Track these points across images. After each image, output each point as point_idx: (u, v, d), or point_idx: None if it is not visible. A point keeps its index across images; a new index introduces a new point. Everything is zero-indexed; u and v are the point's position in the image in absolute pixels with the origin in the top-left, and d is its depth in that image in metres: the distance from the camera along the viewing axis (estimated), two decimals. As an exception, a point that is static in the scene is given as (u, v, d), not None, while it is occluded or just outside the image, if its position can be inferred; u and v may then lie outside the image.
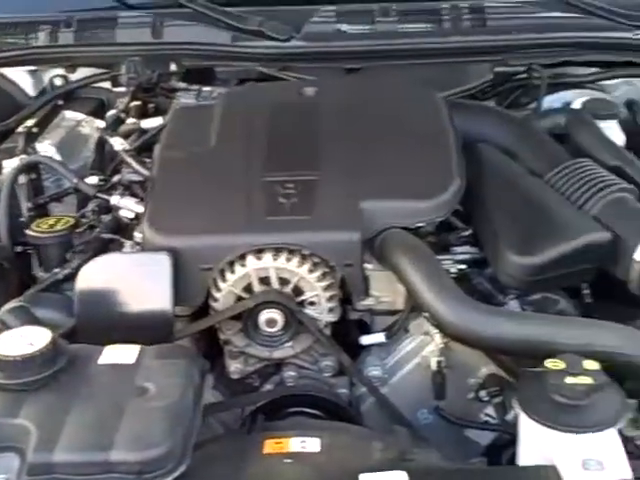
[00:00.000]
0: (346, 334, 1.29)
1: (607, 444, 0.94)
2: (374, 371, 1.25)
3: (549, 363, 0.98)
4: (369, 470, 0.90)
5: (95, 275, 1.16)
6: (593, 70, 1.73)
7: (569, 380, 0.95)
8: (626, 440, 1.07)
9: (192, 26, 1.80)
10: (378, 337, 1.27)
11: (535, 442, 0.97)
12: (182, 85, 1.70)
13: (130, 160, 1.37)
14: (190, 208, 1.23)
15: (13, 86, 1.83)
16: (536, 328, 1.08)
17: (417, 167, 1.27)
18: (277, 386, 1.26)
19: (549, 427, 0.94)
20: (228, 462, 0.96)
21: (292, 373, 1.25)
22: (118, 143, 1.42)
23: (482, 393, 1.22)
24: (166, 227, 1.20)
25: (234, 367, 1.25)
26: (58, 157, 1.57)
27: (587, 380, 0.95)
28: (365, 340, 1.28)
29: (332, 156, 1.28)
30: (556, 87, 1.69)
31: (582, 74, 1.72)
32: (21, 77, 1.83)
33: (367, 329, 1.31)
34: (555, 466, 0.91)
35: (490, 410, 1.24)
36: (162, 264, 1.15)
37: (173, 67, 1.72)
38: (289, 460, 0.94)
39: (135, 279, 1.16)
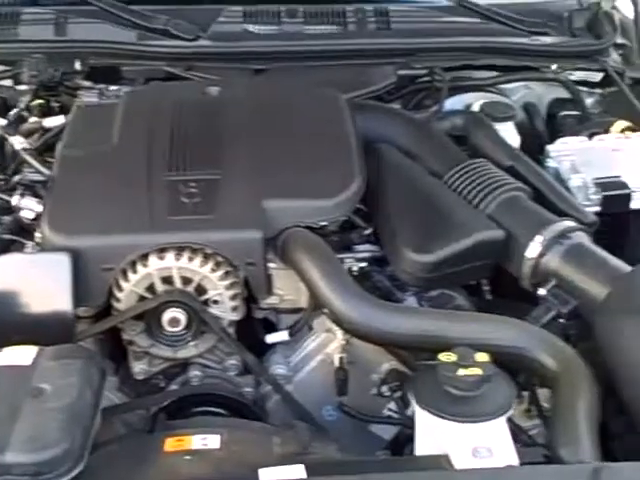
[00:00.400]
0: (252, 333, 1.31)
1: (496, 433, 0.98)
2: (279, 369, 1.27)
3: (442, 356, 1.02)
4: (268, 464, 0.92)
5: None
6: (493, 74, 1.80)
7: (461, 372, 0.99)
8: (519, 429, 1.14)
9: (97, 24, 1.78)
10: (282, 335, 1.29)
11: (430, 433, 1.00)
12: (87, 84, 1.68)
13: (31, 159, 1.36)
14: (91, 208, 1.23)
15: None
16: (431, 323, 1.12)
17: (319, 167, 1.29)
18: (182, 386, 1.27)
19: (441, 418, 0.98)
20: (128, 461, 0.96)
21: (197, 373, 1.26)
22: (18, 142, 1.39)
23: (384, 388, 1.26)
24: (66, 227, 1.19)
25: (139, 368, 1.25)
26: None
27: (478, 371, 0.99)
28: (270, 338, 1.30)
29: (235, 155, 1.29)
30: (458, 90, 1.74)
31: (482, 78, 1.78)
32: None
33: (273, 328, 1.33)
34: (447, 455, 0.95)
35: (392, 405, 1.27)
36: (61, 264, 1.15)
37: (77, 65, 1.70)
38: (189, 457, 0.95)
39: (34, 280, 1.15)
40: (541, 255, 1.21)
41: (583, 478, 0.86)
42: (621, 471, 0.87)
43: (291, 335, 1.28)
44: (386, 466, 0.96)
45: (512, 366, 1.11)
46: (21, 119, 1.52)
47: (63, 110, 1.60)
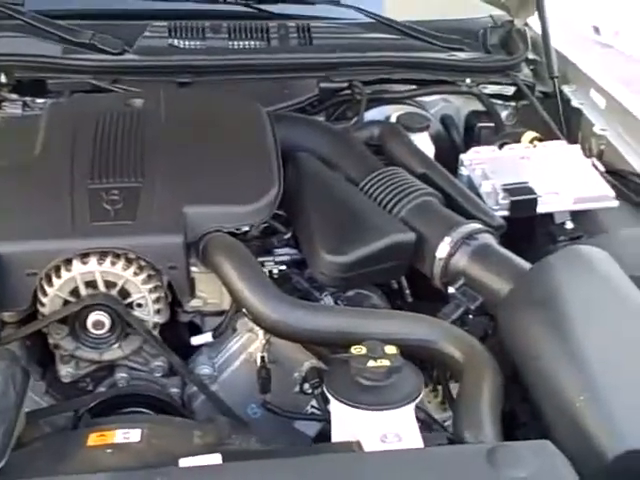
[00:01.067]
0: (177, 336, 1.35)
1: (404, 419, 1.05)
2: (204, 369, 1.33)
3: (353, 349, 1.08)
4: (188, 455, 0.97)
5: None
6: (411, 87, 1.89)
7: (371, 363, 1.06)
8: (433, 420, 1.21)
9: (23, 38, 1.82)
10: (206, 337, 1.34)
11: (343, 421, 1.07)
12: (13, 96, 1.72)
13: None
14: (14, 215, 1.26)
15: None
16: (346, 320, 1.18)
17: (238, 174, 1.35)
18: (110, 388, 1.31)
19: (353, 406, 1.04)
20: (51, 456, 1.00)
21: (124, 375, 1.30)
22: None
23: (306, 386, 1.32)
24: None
25: (65, 371, 1.29)
26: None
27: (386, 363, 1.06)
28: (195, 340, 1.35)
29: (157, 164, 1.34)
30: (377, 102, 1.83)
31: (400, 90, 1.87)
32: None
33: (199, 330, 1.38)
34: (358, 441, 1.01)
35: (314, 402, 1.33)
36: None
37: (3, 78, 1.73)
38: (110, 450, 0.99)
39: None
40: (450, 255, 1.29)
41: (480, 457, 0.93)
42: (515, 450, 0.95)
43: (215, 337, 1.34)
44: (299, 453, 1.02)
45: (423, 359, 1.18)
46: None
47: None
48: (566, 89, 1.91)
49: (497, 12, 2.10)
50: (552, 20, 1.99)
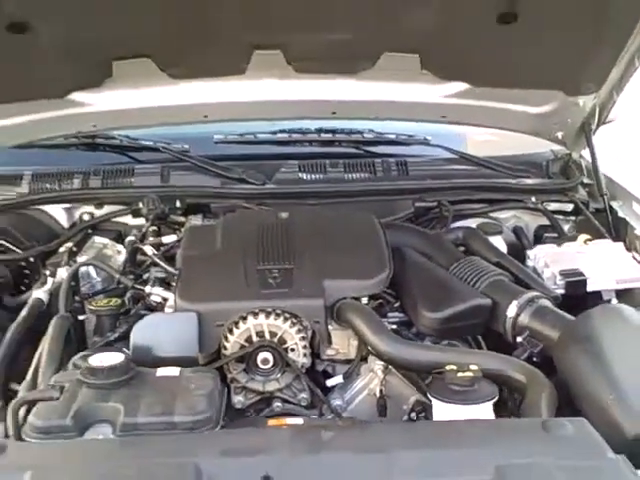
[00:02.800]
0: (315, 379, 1.88)
1: (484, 413, 1.54)
2: (337, 402, 1.84)
3: (448, 367, 1.59)
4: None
5: (145, 329, 1.76)
6: (487, 205, 2.45)
7: (459, 374, 1.57)
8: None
9: (191, 175, 2.49)
10: (338, 379, 1.87)
11: (441, 415, 1.57)
12: (181, 219, 2.36)
13: (159, 261, 2.00)
14: (207, 285, 1.85)
15: (51, 219, 2.46)
16: (442, 355, 1.70)
17: (361, 260, 1.92)
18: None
19: (448, 402, 1.54)
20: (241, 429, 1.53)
21: (279, 404, 1.83)
22: (150, 250, 2.05)
23: (413, 414, 1.81)
24: (191, 296, 1.81)
25: (237, 400, 1.82)
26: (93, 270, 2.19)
27: (470, 374, 1.56)
28: (329, 382, 1.87)
29: (302, 253, 1.93)
30: (461, 218, 2.39)
31: (479, 207, 2.43)
32: (57, 212, 2.47)
33: (330, 377, 1.90)
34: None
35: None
36: (191, 320, 1.75)
37: (178, 203, 2.39)
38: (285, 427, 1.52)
39: (172, 333, 1.76)
40: (517, 315, 1.80)
41: (536, 425, 1.40)
42: (561, 421, 1.41)
43: (345, 378, 1.86)
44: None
45: (498, 383, 1.67)
46: (144, 236, 2.19)
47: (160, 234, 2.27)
48: (614, 204, 2.45)
49: (556, 147, 2.69)
50: (602, 149, 2.56)
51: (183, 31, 2.06)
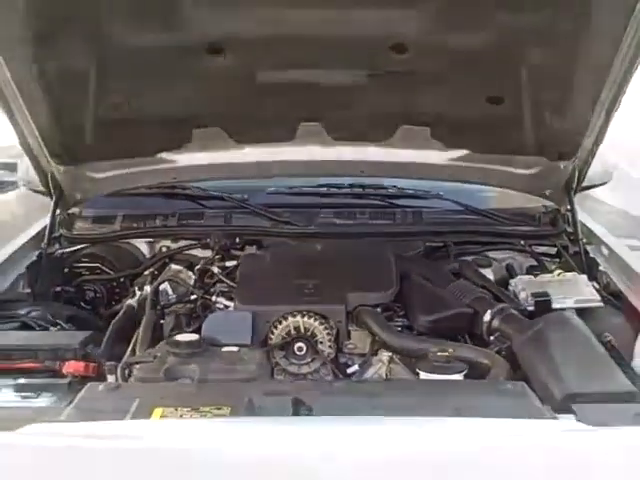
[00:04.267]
0: (338, 368, 2.53)
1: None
2: (353, 385, 2.49)
3: (432, 350, 2.24)
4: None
5: (213, 321, 2.45)
6: (485, 246, 3.12)
7: (439, 354, 2.21)
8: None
9: (248, 217, 3.21)
10: (355, 367, 2.51)
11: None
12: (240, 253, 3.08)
13: (224, 278, 2.71)
14: (259, 292, 2.54)
15: (137, 250, 3.20)
16: (429, 344, 2.34)
17: (374, 278, 2.60)
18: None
19: (430, 373, 2.19)
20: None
21: (309, 384, 2.49)
22: (216, 269, 2.77)
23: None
24: (247, 300, 2.50)
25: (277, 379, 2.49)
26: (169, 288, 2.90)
27: (446, 354, 2.21)
28: (349, 370, 2.52)
29: (330, 273, 2.62)
30: (462, 255, 3.06)
31: (477, 247, 3.10)
32: (142, 245, 3.21)
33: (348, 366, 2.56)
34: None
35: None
36: (246, 318, 2.44)
37: (237, 240, 3.10)
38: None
39: (232, 326, 2.44)
40: (491, 319, 2.45)
41: (485, 384, 2.04)
42: (507, 382, 2.05)
43: (360, 367, 2.51)
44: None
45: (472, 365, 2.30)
46: (211, 263, 2.91)
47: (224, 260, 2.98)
48: (589, 248, 3.08)
49: (548, 202, 3.34)
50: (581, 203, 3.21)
51: (247, 108, 2.79)
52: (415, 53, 2.54)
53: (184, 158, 3.12)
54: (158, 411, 1.86)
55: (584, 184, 3.17)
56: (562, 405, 1.99)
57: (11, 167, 5.91)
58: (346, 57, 2.57)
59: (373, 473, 1.57)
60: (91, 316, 2.90)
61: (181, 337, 2.28)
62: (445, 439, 1.67)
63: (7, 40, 2.37)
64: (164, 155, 3.10)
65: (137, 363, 2.22)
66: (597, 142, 2.97)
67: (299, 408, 1.80)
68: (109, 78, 2.64)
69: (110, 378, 2.19)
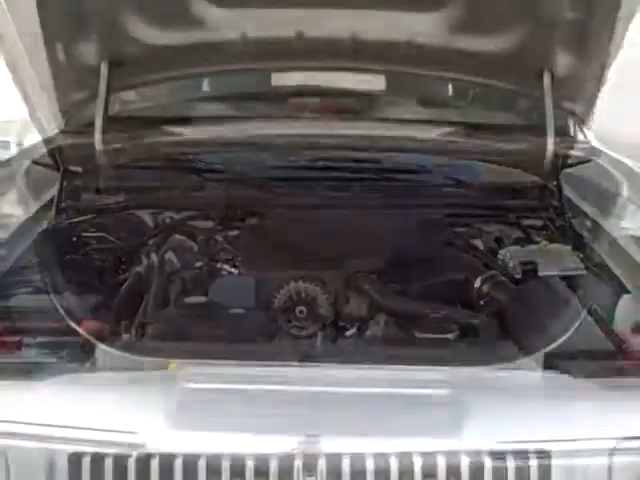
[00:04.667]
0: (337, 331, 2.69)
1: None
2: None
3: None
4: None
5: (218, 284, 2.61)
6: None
7: (432, 316, 2.38)
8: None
9: (249, 190, 3.35)
10: (353, 330, 2.67)
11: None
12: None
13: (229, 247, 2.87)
14: (263, 259, 2.70)
15: (141, 221, 3.33)
16: (422, 306, 2.51)
17: (371, 244, 2.77)
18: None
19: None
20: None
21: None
22: (220, 238, 2.93)
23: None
24: (251, 266, 2.67)
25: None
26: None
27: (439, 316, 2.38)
28: (347, 333, 2.67)
29: (329, 240, 2.79)
30: (455, 227, 3.22)
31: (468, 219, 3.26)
32: (145, 216, 3.35)
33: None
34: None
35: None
36: (249, 281, 2.60)
37: (238, 211, 3.24)
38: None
39: (236, 289, 2.60)
40: (481, 285, 2.62)
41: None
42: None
43: (357, 330, 2.67)
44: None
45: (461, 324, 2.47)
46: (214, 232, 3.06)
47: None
48: (574, 221, 3.24)
49: (535, 178, 3.50)
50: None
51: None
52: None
53: (189, 131, 3.26)
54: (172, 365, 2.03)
55: (570, 161, 3.34)
56: (547, 360, 2.17)
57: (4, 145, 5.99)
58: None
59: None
60: (99, 283, 3.04)
61: (189, 299, 2.44)
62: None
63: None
64: (170, 128, 3.23)
65: (150, 323, 2.37)
66: (585, 119, 3.14)
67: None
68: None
69: (125, 337, 2.35)
